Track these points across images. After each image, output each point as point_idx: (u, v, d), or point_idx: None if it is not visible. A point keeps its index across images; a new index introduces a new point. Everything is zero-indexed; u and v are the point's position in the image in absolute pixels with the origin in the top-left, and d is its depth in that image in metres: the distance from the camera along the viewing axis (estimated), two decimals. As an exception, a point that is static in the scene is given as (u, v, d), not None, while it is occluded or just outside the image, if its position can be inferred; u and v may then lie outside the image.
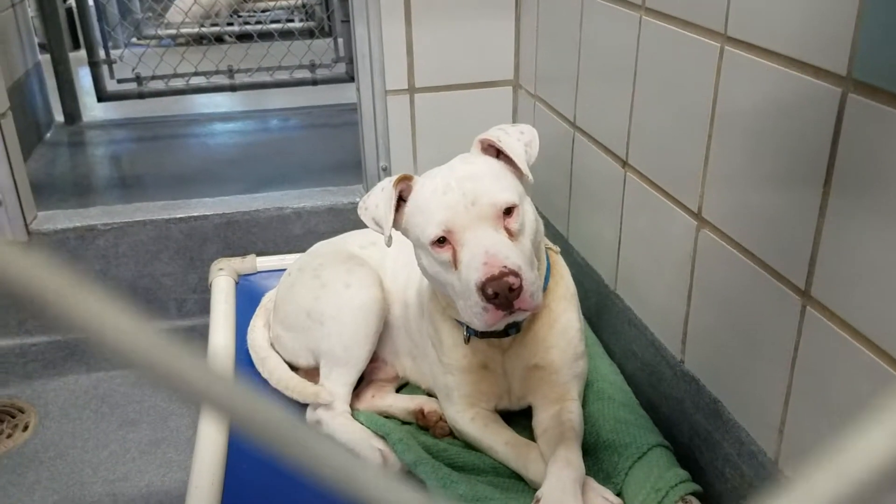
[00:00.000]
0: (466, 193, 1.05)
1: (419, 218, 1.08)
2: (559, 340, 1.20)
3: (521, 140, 1.12)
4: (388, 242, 1.11)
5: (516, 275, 0.99)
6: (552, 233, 1.70)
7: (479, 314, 1.01)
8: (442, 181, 1.07)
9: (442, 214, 1.05)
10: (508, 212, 1.05)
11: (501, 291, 0.98)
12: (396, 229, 1.14)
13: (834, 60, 0.85)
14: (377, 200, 1.12)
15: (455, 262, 1.04)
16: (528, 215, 1.08)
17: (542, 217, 1.70)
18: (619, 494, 1.11)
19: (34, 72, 2.63)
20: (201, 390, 0.22)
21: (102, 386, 1.81)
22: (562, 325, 1.21)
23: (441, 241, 1.05)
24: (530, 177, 1.10)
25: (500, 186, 1.06)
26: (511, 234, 1.04)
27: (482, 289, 0.99)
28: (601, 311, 1.50)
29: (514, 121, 1.92)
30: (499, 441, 1.19)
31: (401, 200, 1.12)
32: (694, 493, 1.09)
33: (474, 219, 1.04)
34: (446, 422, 1.26)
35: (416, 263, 1.14)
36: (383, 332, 1.35)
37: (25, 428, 1.68)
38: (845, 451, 0.19)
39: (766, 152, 0.98)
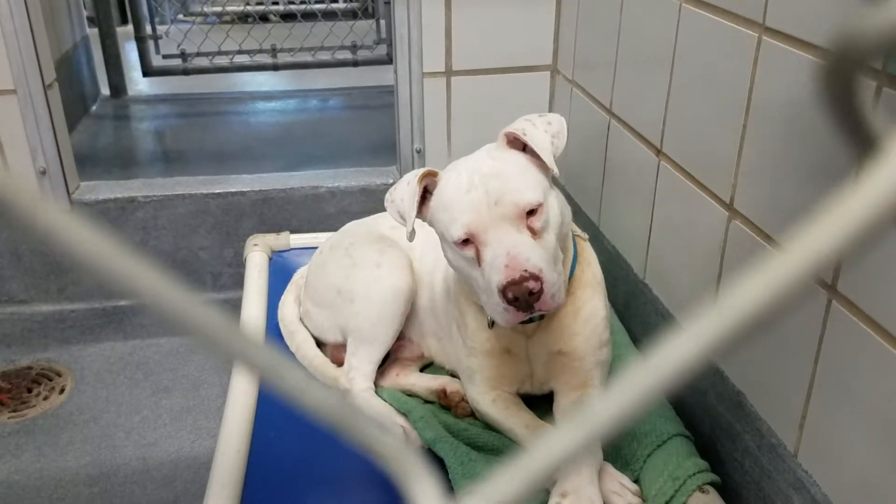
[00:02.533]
0: (490, 192, 1.05)
1: (443, 215, 1.09)
2: (584, 328, 1.20)
3: (548, 131, 1.11)
4: (411, 237, 1.12)
5: (537, 278, 0.99)
6: (583, 221, 1.69)
7: (500, 313, 1.03)
8: (466, 178, 1.07)
9: (466, 216, 1.05)
10: (532, 211, 1.05)
11: (521, 296, 0.99)
12: (423, 221, 1.15)
13: (871, 53, 0.84)
14: (402, 194, 1.13)
15: (479, 259, 1.05)
16: (552, 210, 1.08)
17: (574, 204, 1.70)
18: (636, 482, 1.11)
19: (82, 45, 2.68)
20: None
21: (138, 353, 1.85)
22: (587, 313, 1.21)
23: (465, 241, 1.06)
24: (556, 171, 1.10)
25: (525, 185, 1.06)
26: (534, 233, 1.04)
27: (503, 292, 1.00)
28: (629, 300, 1.50)
29: (551, 106, 1.91)
30: (519, 424, 1.20)
31: (427, 192, 1.13)
32: (712, 483, 1.09)
33: (497, 218, 1.04)
34: (468, 402, 1.27)
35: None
36: (410, 312, 1.36)
37: (62, 391, 1.73)
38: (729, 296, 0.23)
39: (799, 144, 0.97)
